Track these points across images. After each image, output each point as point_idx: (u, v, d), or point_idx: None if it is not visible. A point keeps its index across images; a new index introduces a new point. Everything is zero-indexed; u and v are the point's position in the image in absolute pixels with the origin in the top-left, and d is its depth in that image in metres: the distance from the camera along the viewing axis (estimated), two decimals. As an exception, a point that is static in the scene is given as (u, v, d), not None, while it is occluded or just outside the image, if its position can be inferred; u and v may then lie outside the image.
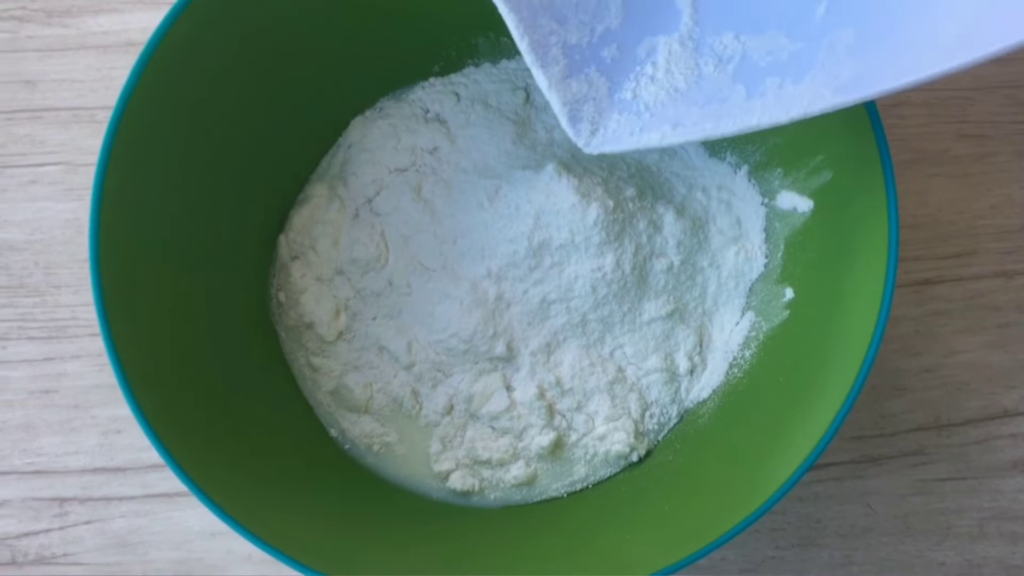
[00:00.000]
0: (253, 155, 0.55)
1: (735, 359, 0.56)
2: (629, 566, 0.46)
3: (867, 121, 0.47)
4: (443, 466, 0.56)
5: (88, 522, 0.59)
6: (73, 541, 0.59)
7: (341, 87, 0.59)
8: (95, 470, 0.60)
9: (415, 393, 0.56)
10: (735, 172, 0.58)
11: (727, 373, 0.56)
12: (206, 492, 0.44)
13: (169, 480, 0.59)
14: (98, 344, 0.61)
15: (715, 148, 0.58)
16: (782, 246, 0.55)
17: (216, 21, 0.49)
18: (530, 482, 0.56)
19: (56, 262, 0.62)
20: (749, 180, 0.57)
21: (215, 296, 0.54)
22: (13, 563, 0.58)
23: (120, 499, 0.59)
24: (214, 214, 0.54)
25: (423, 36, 0.59)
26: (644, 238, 0.55)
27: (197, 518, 0.59)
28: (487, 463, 0.56)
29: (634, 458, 0.56)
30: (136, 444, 0.60)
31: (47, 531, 0.59)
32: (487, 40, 0.60)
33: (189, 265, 0.52)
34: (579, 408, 0.56)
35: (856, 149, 0.48)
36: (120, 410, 0.60)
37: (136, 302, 0.48)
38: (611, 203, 0.54)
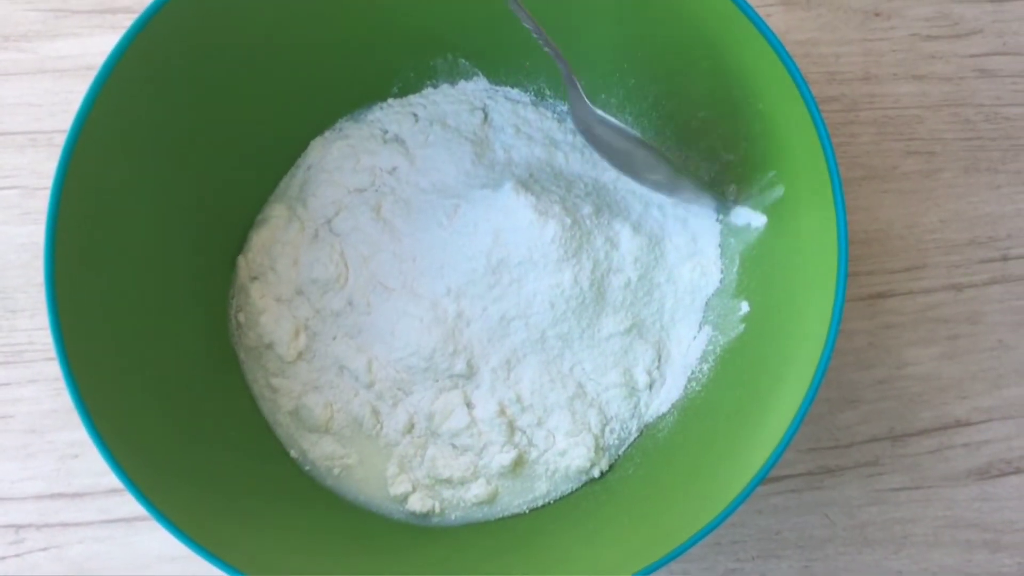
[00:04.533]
0: (211, 176, 0.56)
1: (693, 373, 0.57)
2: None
3: (816, 138, 0.48)
4: (399, 489, 0.56)
5: (45, 548, 0.58)
6: (30, 568, 0.58)
7: (300, 108, 0.59)
8: (52, 495, 0.59)
9: (375, 412, 0.56)
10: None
11: (685, 387, 0.57)
12: (165, 514, 0.44)
13: (128, 505, 0.59)
14: (55, 368, 0.60)
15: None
16: (737, 260, 0.56)
17: (172, 45, 0.49)
18: (491, 500, 0.56)
19: (12, 286, 0.62)
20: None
21: (174, 318, 0.54)
22: (-32, 591, 0.57)
23: (78, 524, 0.59)
24: (172, 235, 0.54)
25: (382, 58, 0.59)
26: (602, 254, 0.56)
27: (156, 543, 0.58)
28: (448, 482, 0.56)
29: (595, 473, 0.56)
30: (94, 469, 0.59)
31: (2, 559, 0.58)
32: (445, 61, 0.61)
33: (147, 288, 0.52)
34: (539, 424, 0.56)
35: (807, 165, 0.49)
36: (77, 434, 0.60)
37: (92, 325, 0.47)
38: (568, 220, 0.55)
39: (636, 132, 0.53)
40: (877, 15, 0.68)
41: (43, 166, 0.64)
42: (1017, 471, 0.61)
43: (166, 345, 0.53)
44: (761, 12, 0.48)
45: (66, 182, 0.46)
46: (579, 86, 0.53)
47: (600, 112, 0.53)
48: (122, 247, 0.50)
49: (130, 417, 0.48)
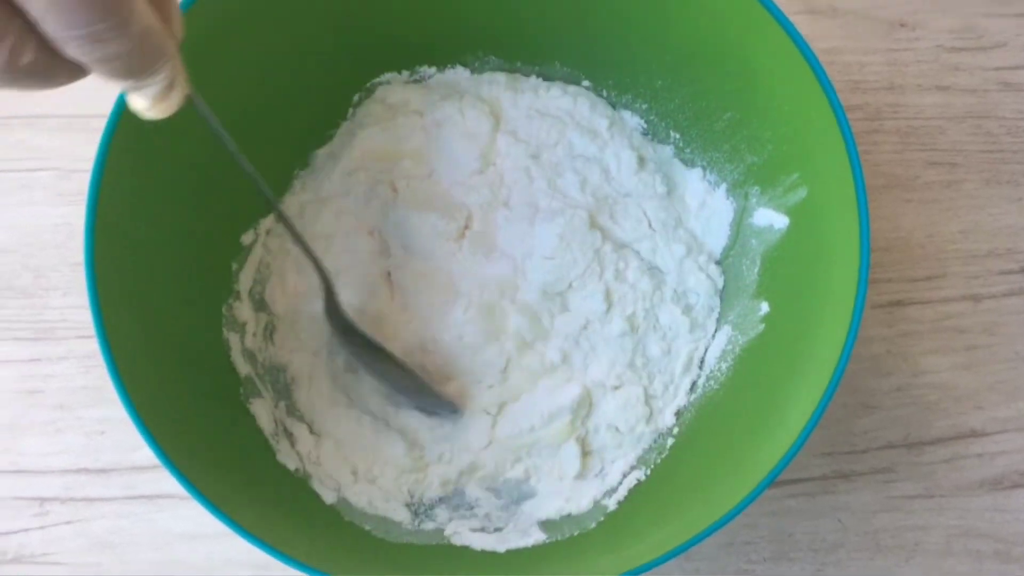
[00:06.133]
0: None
1: (712, 371, 0.57)
2: (601, 570, 0.47)
3: (841, 142, 0.49)
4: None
5: (69, 522, 0.59)
6: (53, 541, 0.59)
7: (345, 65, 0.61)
8: (78, 471, 0.60)
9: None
10: (714, 189, 0.60)
11: (704, 385, 0.57)
12: (199, 488, 0.45)
13: (151, 482, 0.60)
14: (85, 346, 0.62)
15: (692, 164, 0.61)
16: (759, 261, 0.57)
17: (214, 34, 0.50)
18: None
19: (46, 265, 0.63)
20: (727, 197, 0.59)
21: (205, 299, 0.56)
22: (-8, 561, 0.58)
23: (102, 500, 0.60)
24: (205, 217, 0.55)
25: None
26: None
27: (178, 521, 0.59)
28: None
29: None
30: (120, 446, 0.61)
31: (26, 530, 0.59)
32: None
33: (181, 268, 0.53)
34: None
35: (831, 169, 0.50)
36: (105, 411, 0.61)
37: (129, 301, 0.49)
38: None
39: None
40: (903, 26, 0.69)
41: (78, 149, 0.65)
42: (1031, 482, 0.62)
43: (200, 323, 0.54)
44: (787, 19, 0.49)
45: (106, 166, 0.48)
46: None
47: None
48: (157, 229, 0.51)
49: (162, 394, 0.49)
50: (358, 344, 0.56)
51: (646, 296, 0.59)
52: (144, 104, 0.35)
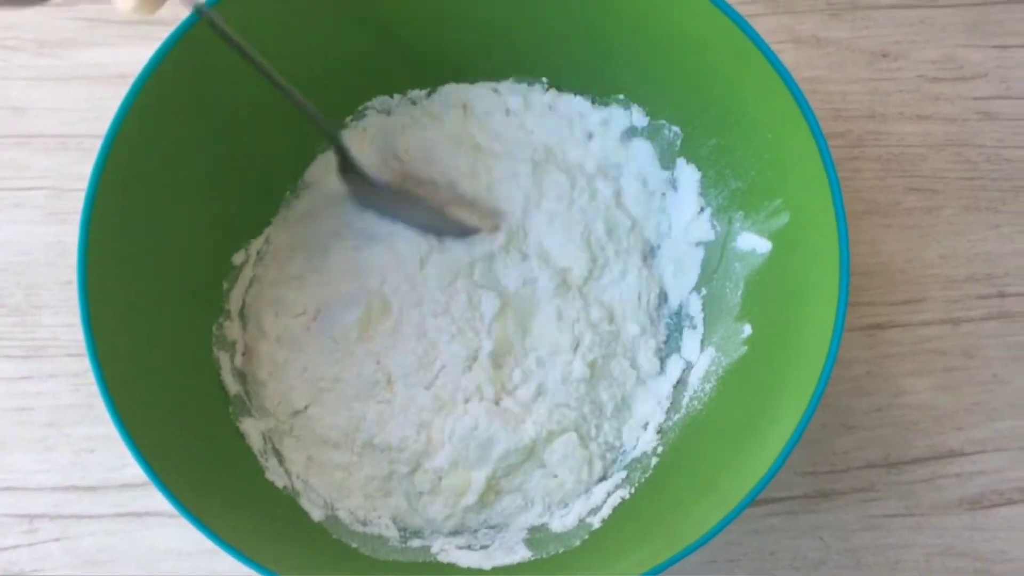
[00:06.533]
0: (237, 181, 0.58)
1: (695, 392, 0.58)
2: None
3: (822, 169, 0.50)
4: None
5: (57, 539, 0.60)
6: (42, 557, 0.59)
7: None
8: (67, 488, 0.61)
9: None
10: (699, 213, 0.61)
11: (687, 406, 0.58)
12: (187, 506, 0.46)
13: (139, 500, 0.60)
14: (75, 364, 0.62)
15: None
16: (742, 285, 0.58)
17: (205, 57, 0.51)
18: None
19: (37, 283, 0.64)
20: (711, 221, 0.60)
21: (196, 318, 0.56)
22: (-20, 578, 0.58)
23: (90, 517, 0.60)
24: (199, 236, 0.56)
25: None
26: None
27: (166, 538, 0.60)
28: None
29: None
30: (108, 463, 0.61)
31: (15, 547, 0.59)
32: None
33: (173, 288, 0.54)
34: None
35: (813, 195, 0.51)
36: (94, 429, 0.61)
37: (120, 320, 0.49)
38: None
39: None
40: (885, 56, 0.70)
41: (72, 169, 0.66)
42: (1009, 502, 0.63)
43: (187, 344, 0.54)
44: (772, 48, 0.50)
45: (100, 185, 0.48)
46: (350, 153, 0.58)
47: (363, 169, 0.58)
48: (149, 248, 0.52)
49: (151, 412, 0.49)
50: (375, 196, 0.59)
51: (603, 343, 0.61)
52: (131, 4, 0.34)
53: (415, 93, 0.64)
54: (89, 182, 0.48)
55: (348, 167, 0.58)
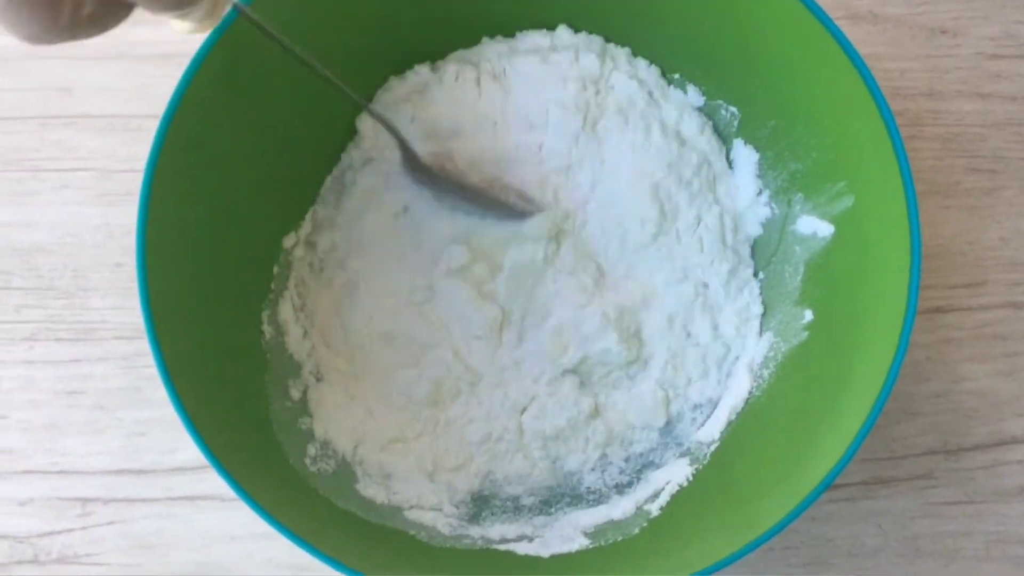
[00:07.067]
0: (290, 161, 0.57)
1: (754, 378, 0.57)
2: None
3: (891, 150, 0.49)
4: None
5: (110, 523, 0.59)
6: (95, 541, 0.59)
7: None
8: (118, 471, 0.60)
9: None
10: (756, 195, 0.60)
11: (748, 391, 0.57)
12: (247, 490, 0.45)
13: (191, 483, 0.60)
14: (124, 347, 0.62)
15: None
16: (802, 269, 0.57)
17: (250, 43, 0.50)
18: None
19: (86, 265, 0.63)
20: (769, 204, 0.59)
21: (249, 301, 0.56)
22: (36, 561, 0.58)
23: (142, 501, 0.60)
24: (249, 220, 0.55)
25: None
26: None
27: (218, 522, 0.60)
28: None
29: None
30: (159, 447, 0.61)
31: (69, 531, 0.59)
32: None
33: (227, 268, 0.54)
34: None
35: (878, 177, 0.50)
36: (145, 413, 0.61)
37: (177, 301, 0.49)
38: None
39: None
40: (943, 32, 0.69)
41: (119, 150, 0.65)
42: (1070, 490, 0.62)
43: (244, 326, 0.54)
44: (830, 25, 0.49)
45: (157, 167, 0.48)
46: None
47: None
48: (206, 228, 0.52)
49: (208, 394, 0.49)
50: (437, 184, 0.60)
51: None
52: (189, 27, 0.35)
53: (460, 53, 0.63)
54: (147, 163, 0.47)
55: (410, 159, 0.58)
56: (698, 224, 0.60)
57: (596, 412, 0.58)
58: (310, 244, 0.60)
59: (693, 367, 0.59)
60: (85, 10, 0.30)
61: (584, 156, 0.60)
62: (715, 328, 0.59)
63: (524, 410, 0.59)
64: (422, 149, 0.59)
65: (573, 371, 0.59)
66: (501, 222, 0.60)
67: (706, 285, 0.60)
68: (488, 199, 0.59)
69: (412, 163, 0.58)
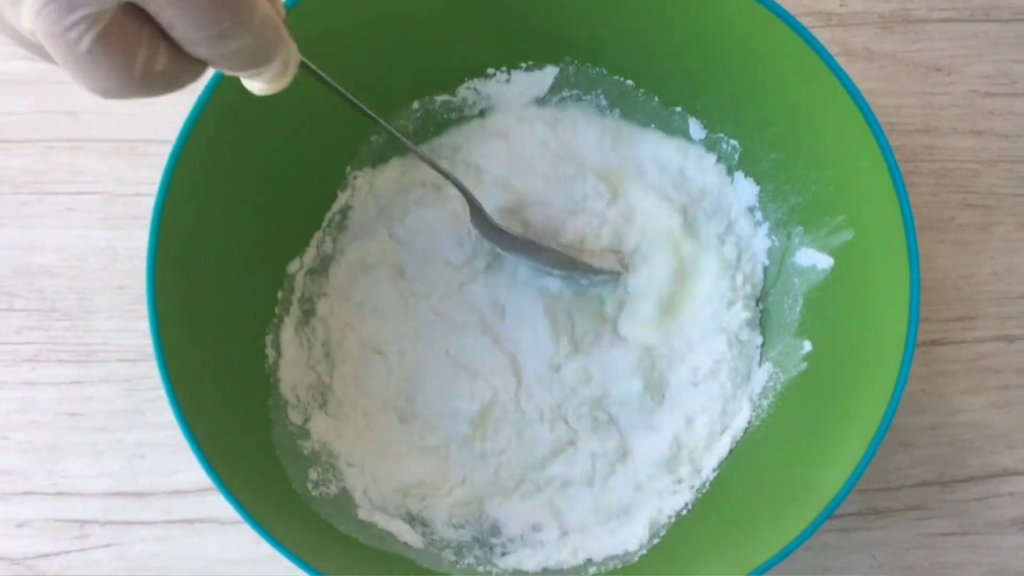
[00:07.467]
0: (299, 188, 0.58)
1: (753, 408, 0.58)
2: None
3: (891, 184, 0.50)
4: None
5: (108, 545, 0.59)
6: (93, 563, 0.59)
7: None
8: (117, 494, 0.60)
9: None
10: (755, 229, 0.61)
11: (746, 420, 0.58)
12: (252, 514, 0.45)
13: (189, 506, 0.60)
14: (127, 369, 0.62)
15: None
16: (801, 300, 0.57)
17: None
18: None
19: (90, 288, 0.64)
20: (769, 236, 0.60)
21: (253, 325, 0.56)
22: (33, 583, 0.58)
23: (140, 523, 0.60)
24: (255, 246, 0.56)
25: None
26: None
27: (217, 545, 0.59)
28: None
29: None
30: (159, 470, 0.61)
31: (67, 552, 0.59)
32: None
33: (234, 293, 0.54)
34: None
35: (878, 211, 0.51)
36: (145, 435, 0.61)
37: (185, 323, 0.50)
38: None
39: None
40: (938, 70, 0.70)
41: (126, 173, 0.66)
42: (1063, 523, 0.62)
43: (251, 347, 0.55)
44: (827, 62, 0.50)
45: (170, 189, 0.48)
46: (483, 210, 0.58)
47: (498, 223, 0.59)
48: (215, 252, 0.52)
49: (212, 415, 0.49)
50: (507, 242, 0.60)
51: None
52: (261, 86, 0.36)
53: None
54: (159, 187, 0.48)
55: (480, 219, 0.59)
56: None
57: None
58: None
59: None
60: (157, 66, 0.31)
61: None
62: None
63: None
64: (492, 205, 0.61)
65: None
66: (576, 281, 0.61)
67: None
68: (568, 259, 0.60)
69: (482, 221, 0.59)
